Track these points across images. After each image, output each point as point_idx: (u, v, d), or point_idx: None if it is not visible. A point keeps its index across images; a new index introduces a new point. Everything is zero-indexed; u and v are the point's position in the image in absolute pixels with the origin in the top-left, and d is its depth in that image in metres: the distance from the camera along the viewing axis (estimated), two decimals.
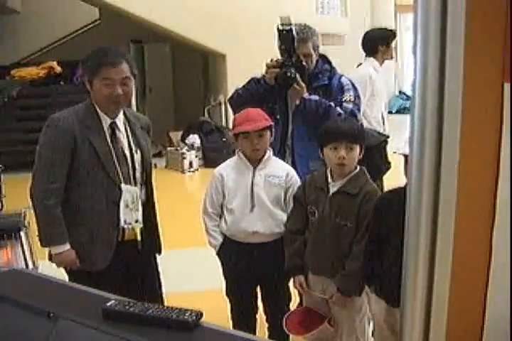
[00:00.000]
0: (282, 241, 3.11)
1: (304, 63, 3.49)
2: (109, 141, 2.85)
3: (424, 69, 1.05)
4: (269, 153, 3.17)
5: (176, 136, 10.54)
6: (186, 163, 9.56)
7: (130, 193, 2.88)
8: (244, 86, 3.63)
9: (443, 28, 1.01)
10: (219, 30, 9.78)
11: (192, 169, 9.55)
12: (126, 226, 2.90)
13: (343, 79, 3.63)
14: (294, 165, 3.51)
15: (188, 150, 9.70)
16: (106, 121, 2.86)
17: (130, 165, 2.91)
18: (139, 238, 2.96)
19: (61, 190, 2.81)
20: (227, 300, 3.34)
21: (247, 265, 3.18)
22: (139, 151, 2.96)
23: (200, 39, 10.11)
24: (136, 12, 9.62)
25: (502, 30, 1.02)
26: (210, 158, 9.37)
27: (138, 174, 2.95)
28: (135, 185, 2.93)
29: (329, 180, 2.90)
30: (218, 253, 3.23)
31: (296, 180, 3.18)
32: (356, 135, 2.86)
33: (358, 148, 2.83)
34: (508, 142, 1.06)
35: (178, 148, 9.87)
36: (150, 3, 9.44)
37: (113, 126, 2.88)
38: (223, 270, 3.29)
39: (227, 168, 3.22)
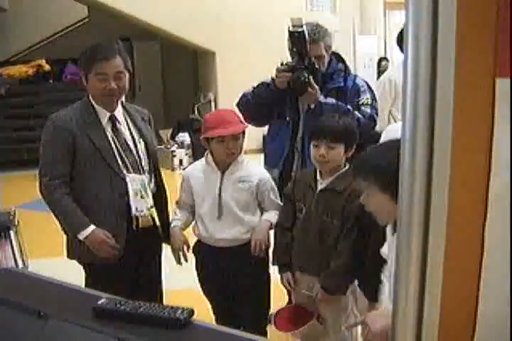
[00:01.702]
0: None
1: (316, 66, 3.36)
2: (110, 133, 2.90)
3: (415, 67, 1.05)
4: (241, 156, 3.05)
5: (165, 133, 10.52)
6: (176, 160, 9.54)
7: (138, 181, 2.91)
8: (253, 90, 3.49)
9: (434, 25, 1.01)
10: (208, 28, 9.76)
11: (182, 167, 9.52)
12: (138, 214, 2.91)
13: (358, 81, 3.51)
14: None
15: (178, 148, 9.69)
16: (104, 115, 2.90)
17: (136, 154, 2.95)
18: (158, 223, 2.99)
19: (65, 184, 2.85)
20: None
21: (217, 267, 3.10)
22: (142, 141, 3.00)
23: (190, 37, 10.09)
24: (124, 10, 9.59)
25: (493, 24, 1.02)
26: (200, 156, 9.32)
27: (144, 162, 2.98)
28: (143, 173, 2.96)
29: (318, 177, 2.90)
30: (194, 252, 3.16)
31: (270, 184, 3.09)
32: (339, 134, 2.80)
33: (341, 147, 2.80)
34: (501, 138, 1.07)
35: (168, 146, 9.85)
36: (139, 0, 9.41)
37: (113, 119, 2.92)
38: (196, 269, 3.21)
39: (195, 171, 3.14)
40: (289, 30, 3.22)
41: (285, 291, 3.49)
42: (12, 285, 1.92)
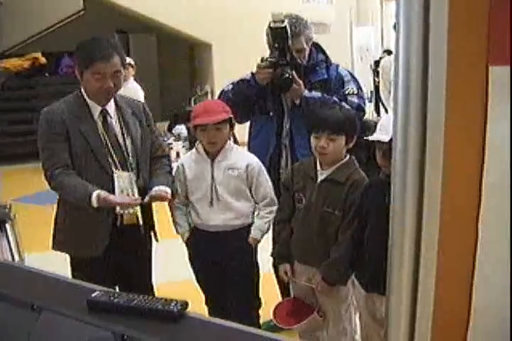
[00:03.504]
0: (246, 231, 3.11)
1: (298, 60, 3.32)
2: (101, 128, 2.88)
3: (407, 55, 1.04)
4: (229, 144, 3.11)
5: (162, 126, 10.51)
6: (173, 153, 9.52)
7: (124, 178, 2.89)
8: (233, 88, 3.44)
9: (426, 14, 1.00)
10: (205, 20, 9.73)
11: (179, 159, 9.52)
12: (122, 211, 2.89)
13: (341, 70, 3.47)
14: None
15: (175, 141, 9.68)
16: (96, 109, 2.89)
17: (124, 151, 2.93)
18: (140, 222, 2.97)
19: (69, 169, 2.85)
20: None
21: (210, 255, 3.16)
22: (128, 137, 2.97)
23: (186, 29, 10.06)
24: (120, 2, 9.55)
25: (486, 11, 1.01)
26: None
27: (131, 159, 2.95)
28: (130, 170, 2.93)
29: (318, 167, 2.90)
30: (186, 243, 3.22)
31: (259, 170, 3.12)
32: (340, 125, 2.80)
33: (342, 139, 2.79)
34: (495, 126, 1.06)
35: (165, 139, 9.83)
36: None
37: (104, 113, 2.91)
38: (189, 258, 3.28)
39: (188, 160, 3.21)
40: (270, 26, 3.17)
41: (277, 287, 3.50)
42: (7, 279, 1.92)
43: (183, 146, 9.67)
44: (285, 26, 3.14)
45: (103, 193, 2.78)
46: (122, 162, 2.92)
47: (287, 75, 3.22)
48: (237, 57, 9.51)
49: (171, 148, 9.51)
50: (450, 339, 1.18)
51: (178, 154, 9.54)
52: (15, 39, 11.23)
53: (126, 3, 9.52)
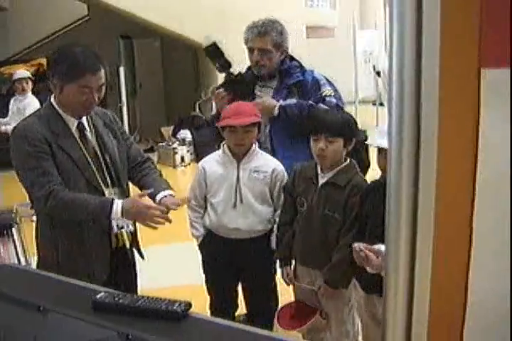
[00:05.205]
0: (265, 239, 3.13)
1: (254, 71, 3.44)
2: (80, 143, 2.68)
3: (401, 58, 1.06)
4: (255, 147, 3.12)
5: (167, 131, 10.55)
6: (178, 157, 9.56)
7: (117, 196, 2.71)
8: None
9: (419, 16, 1.02)
10: (208, 25, 9.76)
11: (184, 164, 9.56)
12: (119, 231, 2.75)
13: (317, 75, 3.51)
14: None
15: (180, 145, 9.71)
16: (73, 123, 2.68)
17: (104, 165, 2.74)
18: (127, 243, 2.80)
19: (62, 186, 2.57)
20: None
21: (226, 260, 3.18)
22: (106, 151, 2.77)
23: (190, 33, 10.09)
24: (124, 7, 9.59)
25: (477, 14, 1.03)
26: (202, 153, 9.33)
27: (113, 174, 2.76)
28: (114, 185, 2.76)
29: (318, 171, 2.92)
30: (200, 246, 3.23)
31: (283, 176, 3.13)
32: (338, 128, 2.83)
33: (340, 141, 2.82)
34: (487, 128, 1.08)
35: (170, 143, 9.87)
36: None
37: (81, 127, 2.71)
38: (203, 263, 3.29)
39: (211, 161, 3.20)
40: (204, 49, 3.39)
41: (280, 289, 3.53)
42: (13, 281, 1.94)
43: (188, 151, 9.70)
44: (214, 43, 3.34)
45: (135, 199, 2.61)
46: (106, 177, 2.73)
47: (246, 88, 3.39)
48: (240, 61, 9.55)
49: (176, 153, 9.55)
50: (447, 338, 1.20)
51: (182, 159, 9.58)
52: (20, 45, 11.31)
53: (130, 8, 9.56)
